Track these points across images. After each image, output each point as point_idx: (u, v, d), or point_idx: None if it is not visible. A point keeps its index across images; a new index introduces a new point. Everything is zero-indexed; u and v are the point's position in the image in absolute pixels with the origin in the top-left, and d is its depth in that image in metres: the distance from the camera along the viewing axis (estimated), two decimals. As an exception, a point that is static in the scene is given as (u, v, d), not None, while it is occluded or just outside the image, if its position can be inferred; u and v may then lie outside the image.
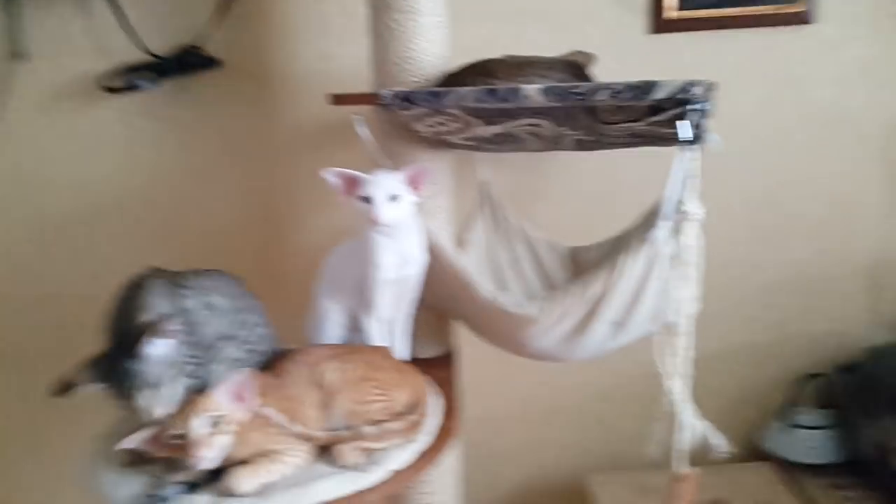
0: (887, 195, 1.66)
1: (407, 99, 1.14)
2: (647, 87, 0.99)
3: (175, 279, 1.04)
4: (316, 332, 1.21)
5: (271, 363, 1.08)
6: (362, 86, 1.45)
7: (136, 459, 0.98)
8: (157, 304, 0.98)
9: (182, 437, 0.90)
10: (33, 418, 1.78)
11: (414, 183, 1.13)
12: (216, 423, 0.91)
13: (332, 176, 1.14)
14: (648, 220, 1.27)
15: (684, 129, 0.98)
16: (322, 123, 1.65)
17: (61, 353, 1.70)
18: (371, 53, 1.32)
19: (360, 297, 1.19)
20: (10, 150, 1.64)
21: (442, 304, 1.31)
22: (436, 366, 1.30)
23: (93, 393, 0.93)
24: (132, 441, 0.93)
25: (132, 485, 0.95)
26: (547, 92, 1.04)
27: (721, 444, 0.97)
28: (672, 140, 1.11)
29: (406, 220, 1.14)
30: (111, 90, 1.58)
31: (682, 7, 1.58)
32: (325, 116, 1.63)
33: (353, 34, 1.57)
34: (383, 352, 1.13)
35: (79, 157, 1.65)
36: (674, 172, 1.04)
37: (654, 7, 1.58)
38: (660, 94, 0.98)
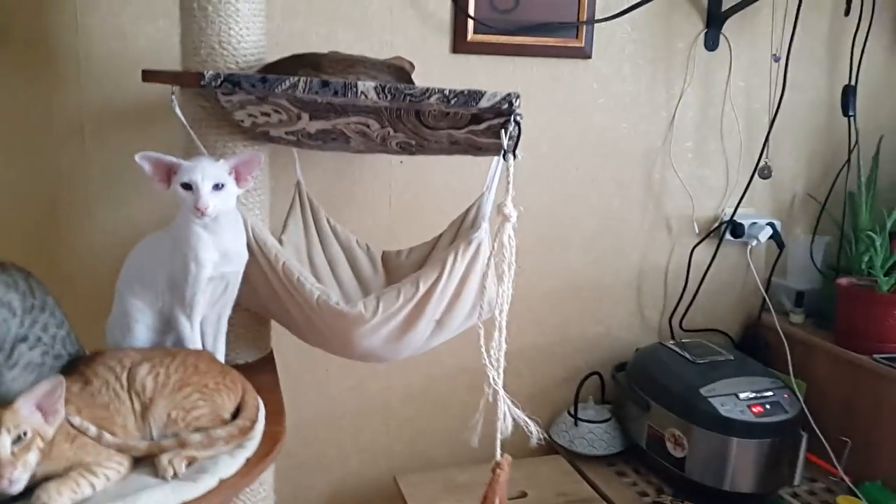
0: (648, 212, 1.93)
1: (233, 82, 1.09)
2: (474, 95, 1.06)
3: None
4: (121, 335, 1.10)
5: (75, 367, 0.97)
6: (161, 66, 1.36)
7: None
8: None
9: None
10: None
11: (240, 173, 1.09)
12: (22, 440, 0.80)
13: (146, 161, 1.05)
14: (461, 228, 1.36)
15: (504, 138, 1.06)
16: (116, 107, 1.50)
17: None
18: (181, 35, 1.24)
19: (173, 296, 1.10)
20: None
21: (261, 303, 1.26)
22: (257, 370, 1.25)
23: None
24: None
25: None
26: (382, 90, 1.06)
27: (533, 429, 1.07)
28: (485, 150, 1.20)
29: (228, 213, 1.09)
30: None
31: (476, 31, 1.69)
32: (119, 99, 1.50)
33: (151, 13, 1.48)
34: (203, 355, 1.07)
35: None
36: (493, 178, 1.13)
37: (457, 28, 1.68)
38: (485, 103, 1.06)
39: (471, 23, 1.67)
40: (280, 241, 1.37)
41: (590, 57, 1.79)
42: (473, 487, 1.67)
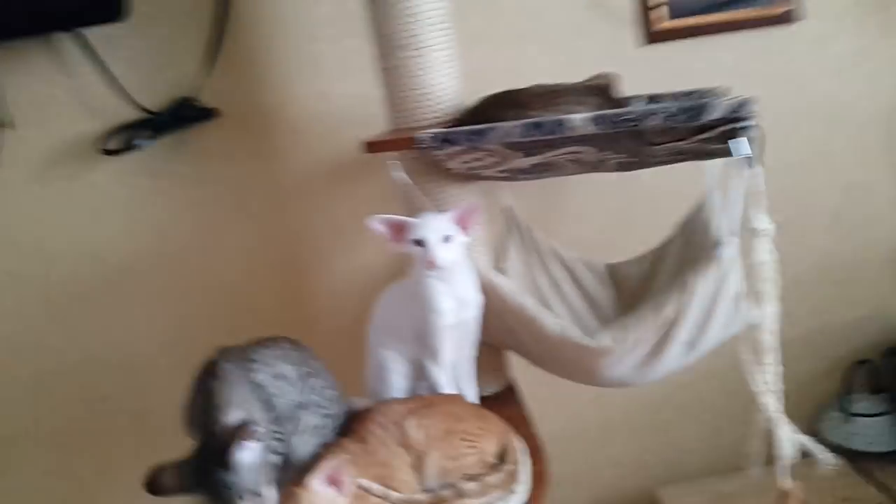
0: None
1: (447, 140, 1.12)
2: (700, 108, 0.99)
3: (243, 356, 1.00)
4: (379, 385, 1.18)
5: (349, 427, 1.05)
6: (364, 122, 1.41)
7: None
8: (234, 394, 0.93)
9: None
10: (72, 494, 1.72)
11: (463, 222, 1.11)
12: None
13: (378, 224, 1.11)
14: (695, 233, 1.28)
15: (742, 146, 0.98)
16: (327, 164, 1.61)
17: (90, 423, 1.67)
18: (385, 92, 1.30)
19: (420, 344, 1.16)
20: (6, 225, 1.57)
21: (498, 338, 1.28)
22: (503, 403, 1.28)
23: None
24: None
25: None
26: (597, 121, 1.03)
27: (825, 456, 0.98)
28: (716, 154, 1.12)
29: (458, 262, 1.12)
30: (109, 152, 1.52)
31: (672, 16, 1.59)
32: (330, 157, 1.61)
33: (347, 71, 1.56)
34: (458, 400, 1.11)
35: (80, 223, 1.59)
36: (733, 189, 1.04)
37: (643, 19, 1.59)
38: (714, 115, 0.99)
39: (661, 9, 1.58)
40: (502, 271, 1.38)
41: (800, 20, 1.61)
42: (741, 498, 1.58)
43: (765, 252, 0.94)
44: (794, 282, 1.70)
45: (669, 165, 1.20)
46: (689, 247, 1.27)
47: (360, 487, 0.93)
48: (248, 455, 0.87)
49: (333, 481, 0.90)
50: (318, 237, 1.65)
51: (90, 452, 1.70)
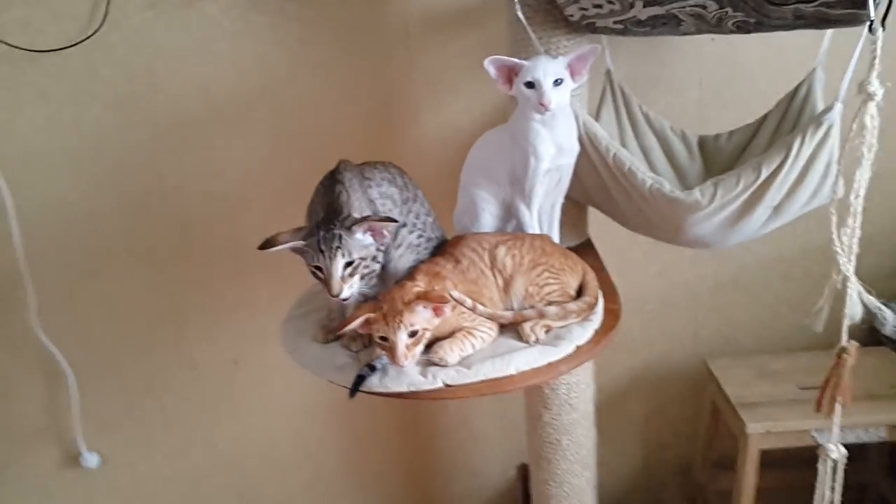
0: None
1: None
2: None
3: (360, 172, 1.08)
4: (470, 222, 1.24)
5: (443, 250, 1.13)
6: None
7: (334, 337, 1.07)
8: (354, 200, 1.03)
9: (386, 339, 0.95)
10: (170, 308, 1.88)
11: (574, 68, 1.13)
12: (416, 334, 0.96)
13: (492, 65, 1.13)
14: (790, 108, 1.28)
15: (872, 7, 0.96)
16: (436, 13, 1.62)
17: (186, 247, 1.81)
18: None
19: (514, 187, 1.21)
20: (120, 48, 1.64)
21: (585, 193, 1.33)
22: (582, 253, 1.33)
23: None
24: (350, 326, 0.97)
25: (339, 357, 1.03)
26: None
27: (890, 317, 1.02)
28: (837, 22, 1.09)
29: (563, 107, 1.15)
30: (222, -17, 1.56)
31: None
32: (437, 3, 1.61)
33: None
34: (546, 238, 1.17)
35: (189, 52, 1.65)
36: (856, 52, 1.03)
37: None
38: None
39: None
40: (595, 130, 1.40)
41: None
42: (789, 374, 1.64)
43: (869, 117, 0.94)
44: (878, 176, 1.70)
45: (782, 38, 1.18)
46: (787, 119, 1.26)
47: (453, 298, 1.02)
48: (362, 235, 0.97)
49: (435, 309, 0.97)
50: (412, 89, 1.68)
51: (181, 272, 1.84)
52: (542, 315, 1.05)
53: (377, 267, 1.06)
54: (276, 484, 2.08)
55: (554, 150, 1.16)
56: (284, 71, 1.66)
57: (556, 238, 1.26)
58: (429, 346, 1.00)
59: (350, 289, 0.97)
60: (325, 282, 0.96)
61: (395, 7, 1.62)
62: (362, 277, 0.99)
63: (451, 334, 1.02)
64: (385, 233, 1.01)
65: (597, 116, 1.44)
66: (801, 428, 1.48)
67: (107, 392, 1.96)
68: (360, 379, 0.97)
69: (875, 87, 0.94)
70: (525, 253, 1.09)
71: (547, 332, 1.05)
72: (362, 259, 0.98)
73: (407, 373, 0.97)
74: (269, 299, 1.82)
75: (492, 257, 1.08)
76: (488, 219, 1.24)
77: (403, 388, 0.96)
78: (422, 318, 0.96)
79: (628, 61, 1.59)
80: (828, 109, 1.07)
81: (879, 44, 0.95)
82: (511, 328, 1.06)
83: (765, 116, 1.37)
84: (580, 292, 1.12)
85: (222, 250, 1.82)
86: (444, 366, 0.97)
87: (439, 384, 0.96)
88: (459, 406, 1.97)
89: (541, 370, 0.99)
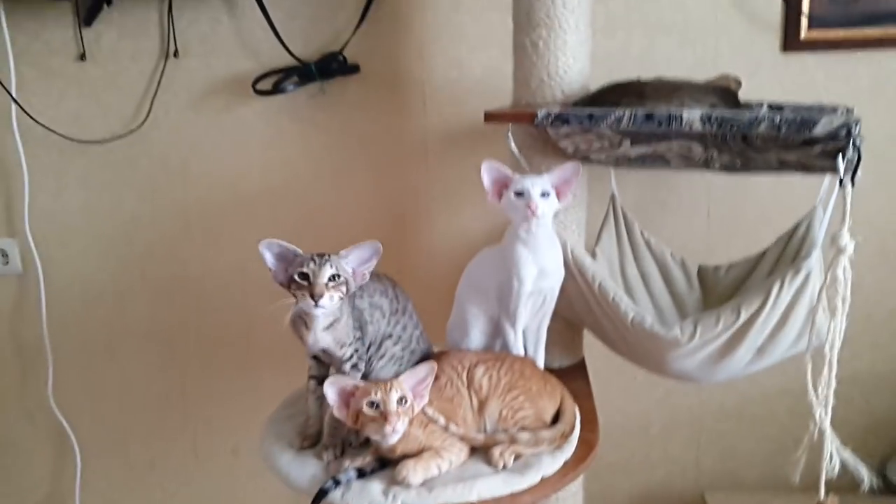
0: None
1: (563, 120, 1.18)
2: (808, 122, 1.01)
3: None
4: (459, 336, 1.28)
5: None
6: (491, 94, 1.51)
7: (311, 443, 1.10)
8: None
9: (376, 406, 0.98)
10: (179, 391, 1.94)
11: (560, 187, 1.18)
12: (403, 403, 0.99)
13: (488, 169, 1.19)
14: (787, 247, 1.29)
15: (841, 165, 0.99)
16: (454, 130, 1.71)
17: (200, 333, 1.88)
18: (513, 68, 1.37)
19: (501, 305, 1.24)
20: (159, 143, 1.77)
21: (576, 315, 1.35)
22: (570, 375, 1.35)
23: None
24: (331, 389, 1.01)
25: (309, 467, 1.05)
26: (707, 120, 1.07)
27: (863, 474, 1.00)
28: (818, 169, 1.13)
29: (547, 231, 1.19)
30: (259, 92, 1.68)
31: (811, 27, 1.56)
32: (456, 123, 1.70)
33: (485, 43, 1.65)
34: (527, 362, 1.19)
35: (223, 153, 1.77)
36: (826, 201, 1.06)
37: (789, 25, 1.57)
38: (820, 131, 1.00)
39: (805, 18, 1.56)
40: (593, 254, 1.44)
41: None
42: (789, 516, 1.58)
43: (841, 269, 0.96)
44: (892, 315, 1.68)
45: (786, 177, 1.22)
46: (786, 256, 1.28)
47: (426, 415, 1.04)
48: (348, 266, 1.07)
49: (415, 389, 1.02)
50: (428, 196, 1.76)
51: (193, 357, 1.90)
52: (513, 440, 1.06)
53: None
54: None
55: (536, 271, 1.19)
56: (309, 174, 1.76)
57: (540, 360, 1.28)
58: (395, 463, 1.01)
59: (329, 300, 1.02)
60: (310, 287, 1.02)
61: (416, 123, 1.71)
62: (340, 299, 1.05)
63: (419, 452, 1.03)
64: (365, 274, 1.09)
65: (597, 240, 1.47)
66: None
67: (111, 468, 2.00)
68: (322, 493, 0.99)
69: (846, 240, 0.96)
70: (503, 375, 1.11)
71: (516, 458, 1.05)
72: (345, 280, 1.04)
73: (368, 490, 0.98)
74: (271, 392, 1.84)
75: (470, 377, 1.11)
76: (477, 335, 1.27)
77: (363, 505, 0.97)
78: (407, 392, 1.01)
79: (637, 187, 1.65)
80: (805, 257, 1.09)
81: (849, 199, 0.98)
82: (482, 451, 1.07)
83: (764, 252, 1.39)
84: (557, 418, 1.12)
85: (234, 339, 1.88)
86: (408, 486, 0.98)
87: (398, 505, 0.97)
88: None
89: (503, 500, 0.99)
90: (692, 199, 1.68)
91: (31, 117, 1.74)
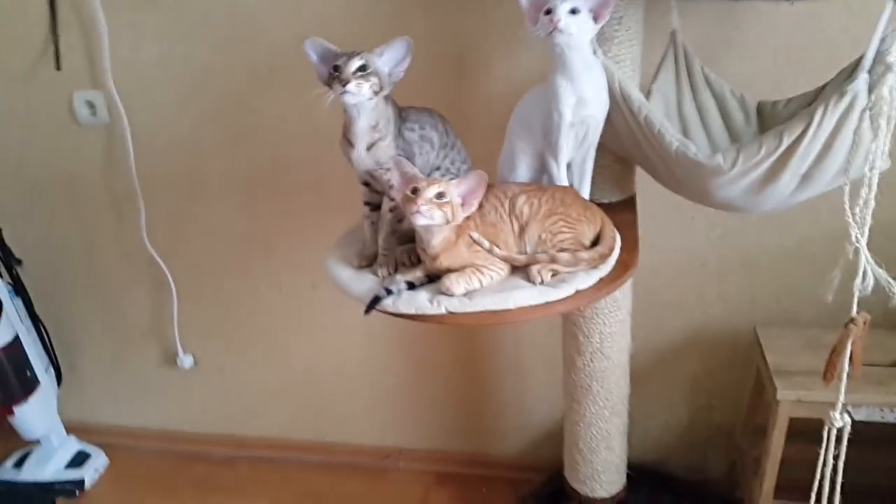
0: None
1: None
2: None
3: (401, 113, 1.21)
4: (508, 170, 1.33)
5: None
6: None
7: (368, 263, 1.22)
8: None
9: (416, 191, 1.08)
10: (260, 232, 2.11)
11: (597, 11, 1.17)
12: (441, 199, 1.08)
13: None
14: (848, 75, 1.25)
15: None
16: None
17: (275, 179, 2.00)
18: None
19: (546, 140, 1.28)
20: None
21: (626, 149, 1.37)
22: (618, 209, 1.40)
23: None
24: (396, 168, 1.14)
25: (366, 281, 1.18)
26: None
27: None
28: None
29: (584, 58, 1.19)
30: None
31: None
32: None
33: None
34: (570, 190, 1.24)
35: (287, 5, 1.79)
36: (881, 23, 1.02)
37: None
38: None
39: None
40: (650, 90, 1.43)
41: None
42: (835, 349, 1.62)
43: (887, 88, 0.94)
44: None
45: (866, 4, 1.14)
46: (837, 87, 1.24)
47: (472, 238, 1.13)
48: (380, 59, 1.16)
49: (465, 196, 1.11)
50: (484, 41, 1.74)
51: (270, 201, 2.04)
52: (553, 260, 1.13)
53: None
54: (343, 399, 2.30)
55: (574, 100, 1.20)
56: (366, 19, 1.77)
57: (585, 193, 1.32)
58: (439, 278, 1.12)
59: (357, 87, 1.11)
60: (339, 75, 1.11)
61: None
62: (371, 90, 1.13)
63: (461, 269, 1.12)
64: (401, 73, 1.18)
65: (654, 77, 1.46)
66: (832, 400, 1.47)
67: (203, 303, 2.23)
68: (377, 299, 1.10)
69: (893, 57, 0.94)
70: (543, 202, 1.17)
71: (554, 275, 1.13)
72: (375, 72, 1.13)
73: (416, 298, 1.09)
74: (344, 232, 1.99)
75: (511, 204, 1.17)
76: (524, 169, 1.32)
77: (412, 311, 1.09)
78: (453, 194, 1.10)
79: (701, 23, 1.58)
80: (852, 80, 1.06)
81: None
82: (523, 270, 1.15)
83: (824, 85, 1.34)
84: (597, 243, 1.19)
85: (307, 184, 2.00)
86: (450, 295, 1.09)
87: (442, 310, 1.08)
88: (513, 346, 2.08)
89: (538, 308, 1.08)
90: (759, 36, 1.61)
91: (105, -29, 1.82)
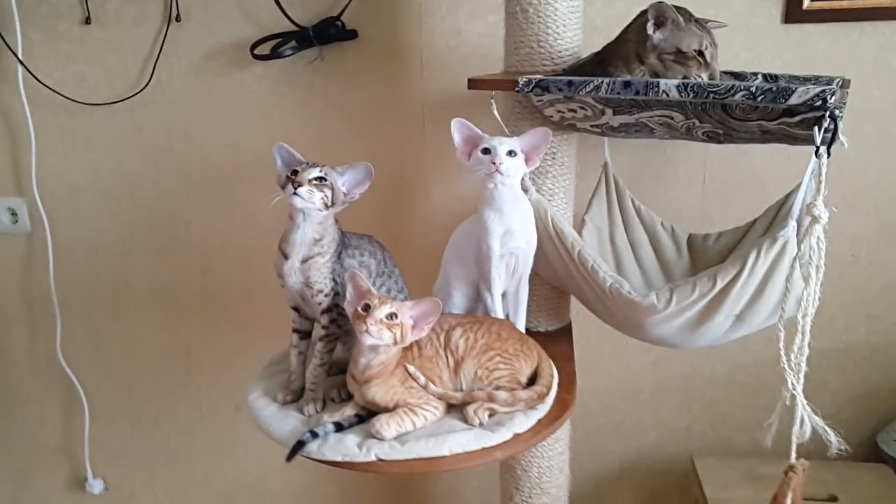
0: None
1: (542, 87, 1.19)
2: (783, 92, 1.01)
3: (343, 238, 1.19)
4: (443, 300, 1.29)
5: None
6: (488, 62, 1.51)
7: (294, 398, 1.15)
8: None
9: (367, 308, 1.04)
10: (183, 349, 2.01)
11: (529, 151, 1.20)
12: (392, 319, 1.05)
13: (459, 127, 1.20)
14: (777, 217, 1.30)
15: (818, 135, 1.00)
16: (449, 97, 1.71)
17: (203, 292, 1.93)
18: (504, 35, 1.37)
19: (479, 271, 1.26)
20: (162, 106, 1.80)
21: (562, 282, 1.37)
22: (555, 338, 1.38)
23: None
24: (351, 280, 1.10)
25: (290, 420, 1.10)
26: (684, 89, 1.07)
27: (834, 441, 1.02)
28: (801, 140, 1.13)
29: (513, 193, 1.21)
30: (257, 57, 1.69)
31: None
32: (453, 90, 1.70)
33: (482, 11, 1.64)
34: (505, 323, 1.22)
35: (224, 116, 1.79)
36: (807, 175, 1.06)
37: (789, -5, 1.55)
38: (795, 101, 1.00)
39: (804, -12, 1.53)
40: (583, 221, 1.46)
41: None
42: (774, 481, 1.60)
43: (815, 238, 0.97)
44: (887, 288, 1.69)
45: (783, 148, 1.21)
46: (775, 226, 1.28)
47: (408, 372, 1.08)
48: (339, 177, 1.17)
49: (416, 321, 1.08)
50: (425, 163, 1.77)
51: (196, 315, 1.96)
52: (491, 398, 1.09)
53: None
54: (264, 530, 2.14)
55: (502, 232, 1.20)
56: (307, 139, 1.77)
57: (520, 323, 1.30)
58: (370, 417, 1.06)
59: (309, 194, 1.10)
60: (296, 179, 1.11)
61: (414, 89, 1.72)
62: (322, 202, 1.12)
63: (394, 408, 1.07)
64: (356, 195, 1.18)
65: (587, 208, 1.49)
66: (770, 539, 1.44)
67: (117, 422, 2.08)
68: (300, 444, 1.03)
69: (820, 210, 0.97)
70: (480, 336, 1.14)
71: (491, 415, 1.09)
72: (330, 186, 1.13)
73: (344, 443, 1.02)
74: (272, 351, 1.90)
75: (447, 338, 1.14)
76: (459, 298, 1.30)
77: (338, 458, 1.01)
78: (405, 315, 1.06)
79: (632, 155, 1.65)
80: (782, 227, 1.09)
81: (825, 169, 0.98)
82: (458, 409, 1.10)
83: (753, 221, 1.40)
84: (534, 381, 1.15)
85: (236, 298, 1.93)
86: (381, 439, 1.02)
87: (372, 458, 1.01)
88: (449, 478, 1.99)
89: (474, 454, 1.02)
90: (688, 169, 1.68)
91: (37, 79, 1.78)
